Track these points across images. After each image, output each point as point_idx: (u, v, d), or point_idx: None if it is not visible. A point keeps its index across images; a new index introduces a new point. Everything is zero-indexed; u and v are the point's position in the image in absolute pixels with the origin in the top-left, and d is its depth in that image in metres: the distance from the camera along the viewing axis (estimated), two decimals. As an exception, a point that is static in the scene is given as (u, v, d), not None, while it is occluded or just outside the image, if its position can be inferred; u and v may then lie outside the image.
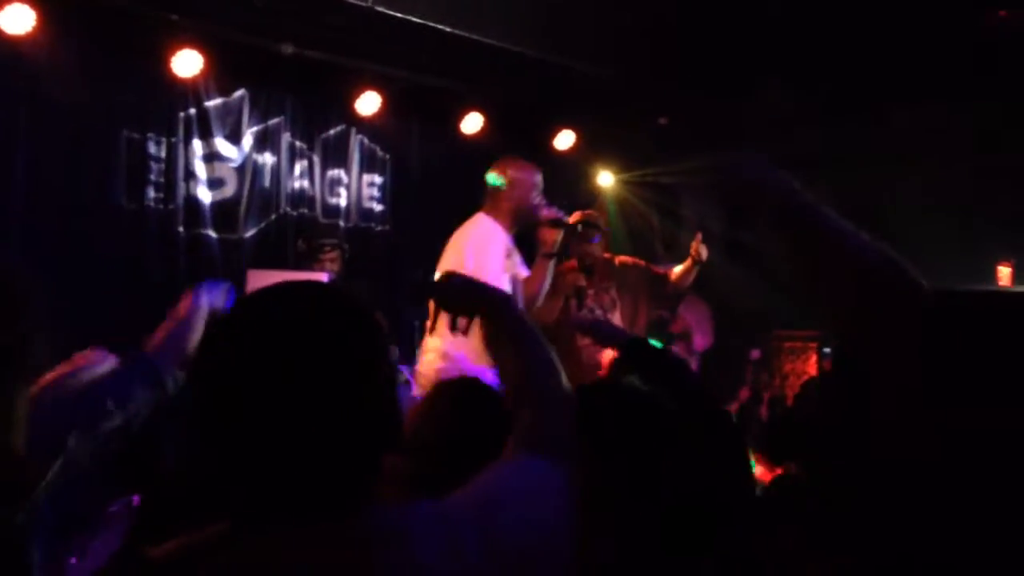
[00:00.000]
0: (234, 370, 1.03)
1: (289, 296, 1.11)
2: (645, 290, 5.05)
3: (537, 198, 4.06)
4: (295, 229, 6.09)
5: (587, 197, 7.42)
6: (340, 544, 1.01)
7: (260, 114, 6.06)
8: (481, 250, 3.88)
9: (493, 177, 4.10)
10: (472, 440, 1.48)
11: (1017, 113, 5.83)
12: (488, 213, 4.10)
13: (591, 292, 4.81)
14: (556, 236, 4.08)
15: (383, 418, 1.08)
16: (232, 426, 1.02)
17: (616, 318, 4.90)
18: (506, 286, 3.81)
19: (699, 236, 4.93)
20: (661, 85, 6.46)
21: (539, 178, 4.12)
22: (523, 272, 4.14)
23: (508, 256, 4.02)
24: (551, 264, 4.11)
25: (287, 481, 1.02)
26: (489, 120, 6.51)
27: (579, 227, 4.68)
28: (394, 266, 6.53)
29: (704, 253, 4.90)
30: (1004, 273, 6.65)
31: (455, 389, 1.84)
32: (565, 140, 6.97)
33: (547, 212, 4.05)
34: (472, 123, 6.49)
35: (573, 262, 4.77)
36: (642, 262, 5.22)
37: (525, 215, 4.04)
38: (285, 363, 1.02)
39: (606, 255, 5.10)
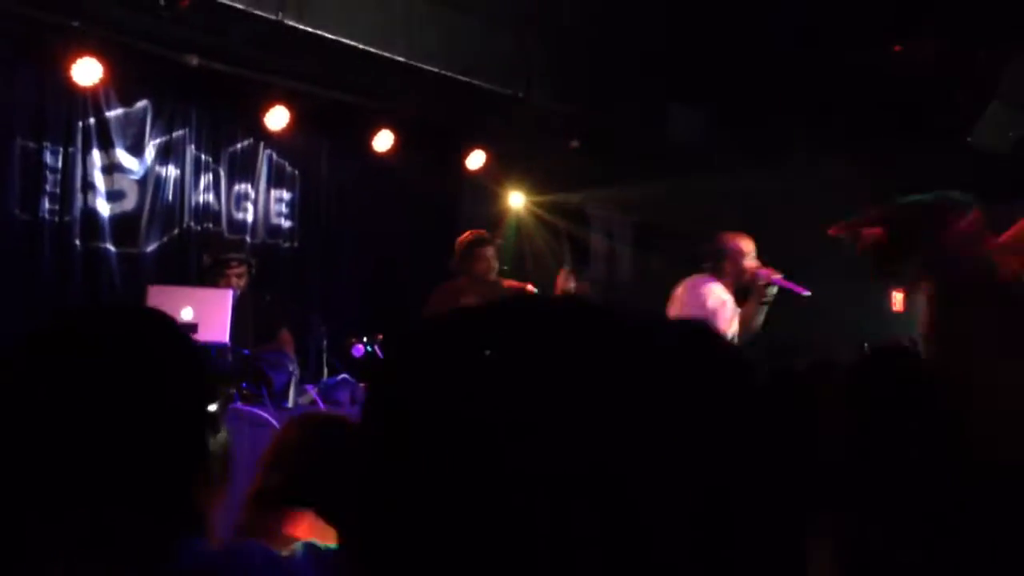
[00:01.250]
0: (19, 401, 0.99)
1: (92, 324, 1.08)
2: None
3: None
4: (199, 244, 5.95)
5: (498, 217, 7.45)
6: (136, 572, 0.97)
7: (164, 126, 5.91)
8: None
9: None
10: (318, 479, 1.43)
11: (907, 141, 6.09)
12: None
13: None
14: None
15: (184, 456, 1.03)
16: (16, 461, 0.98)
17: None
18: None
19: (563, 272, 5.41)
20: (573, 109, 6.54)
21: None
22: None
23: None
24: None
25: (77, 521, 0.97)
26: (400, 138, 6.48)
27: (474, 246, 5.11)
28: (302, 284, 6.43)
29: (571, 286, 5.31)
30: (898, 298, 6.91)
31: (303, 427, 1.74)
32: (476, 160, 6.98)
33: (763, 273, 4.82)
34: (383, 141, 6.44)
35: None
36: (526, 285, 5.35)
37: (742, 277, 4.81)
38: (74, 395, 0.98)
39: (496, 278, 5.22)
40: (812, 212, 6.21)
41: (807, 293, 4.94)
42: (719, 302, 4.70)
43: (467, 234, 5.25)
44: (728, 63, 5.86)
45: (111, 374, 1.00)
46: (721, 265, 4.85)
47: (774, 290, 4.88)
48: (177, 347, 1.07)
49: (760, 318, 4.92)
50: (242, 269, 5.11)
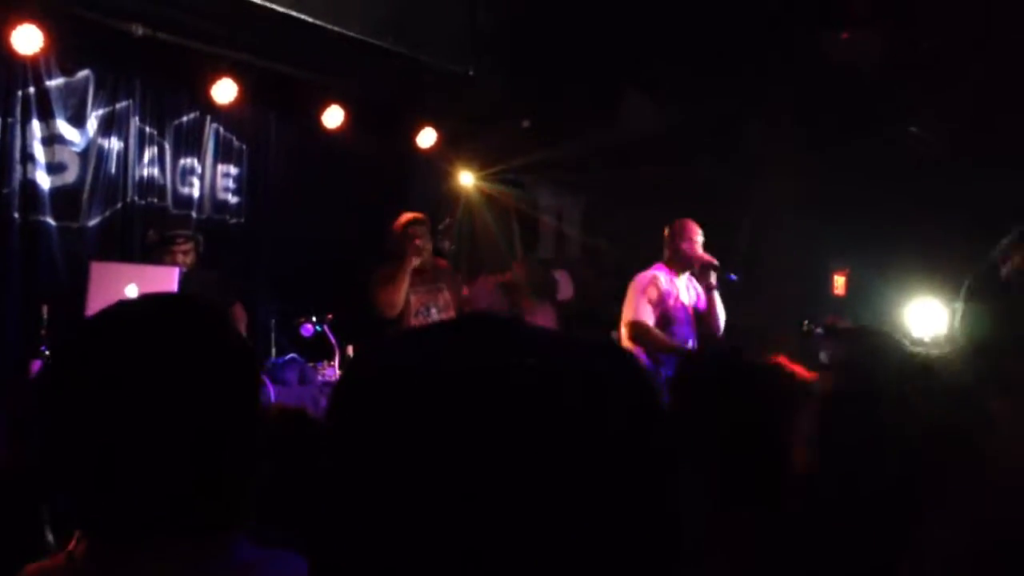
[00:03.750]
0: (84, 389, 1.00)
1: (149, 313, 1.08)
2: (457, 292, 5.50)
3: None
4: (143, 219, 5.82)
5: (449, 195, 7.43)
6: (184, 567, 0.98)
7: (107, 97, 5.75)
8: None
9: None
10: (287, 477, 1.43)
11: (853, 129, 6.20)
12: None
13: (424, 292, 5.27)
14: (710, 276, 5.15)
15: (237, 446, 1.03)
16: (81, 444, 0.98)
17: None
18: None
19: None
20: (524, 87, 6.52)
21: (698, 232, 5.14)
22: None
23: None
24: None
25: (131, 504, 0.98)
26: (351, 115, 6.41)
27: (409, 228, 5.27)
28: (249, 260, 6.34)
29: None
30: (839, 282, 7.06)
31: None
32: (426, 138, 6.94)
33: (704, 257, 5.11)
34: (333, 117, 6.36)
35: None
36: (449, 267, 5.65)
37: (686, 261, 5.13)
38: (137, 385, 0.99)
39: (434, 258, 5.44)
40: (761, 196, 6.32)
41: (734, 278, 5.16)
42: (646, 288, 5.00)
43: (402, 216, 5.38)
44: (682, 49, 5.89)
45: (169, 368, 1.01)
46: (667, 250, 5.16)
47: (712, 276, 5.14)
48: (232, 340, 1.07)
49: (716, 306, 5.16)
50: (188, 246, 5.04)
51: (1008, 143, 5.60)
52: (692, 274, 5.21)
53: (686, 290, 5.18)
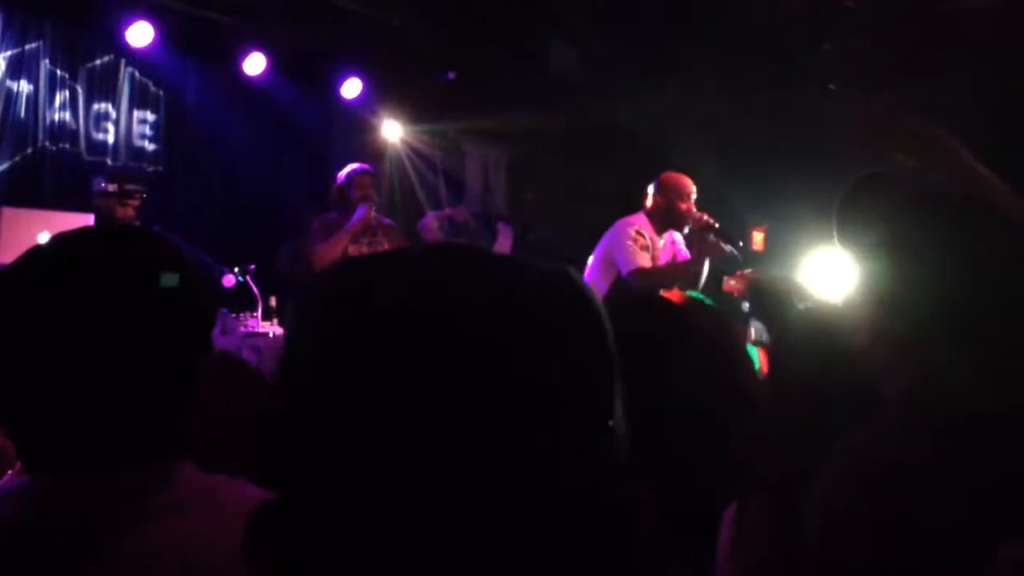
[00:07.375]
0: (18, 316, 0.99)
1: (85, 241, 1.07)
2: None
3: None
4: (54, 164, 5.66)
5: (373, 147, 7.35)
6: (122, 494, 0.98)
7: (15, 37, 5.53)
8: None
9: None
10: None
11: (773, 85, 6.30)
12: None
13: (364, 244, 4.90)
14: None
15: (175, 375, 1.03)
16: (12, 372, 0.99)
17: None
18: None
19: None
20: (450, 38, 6.46)
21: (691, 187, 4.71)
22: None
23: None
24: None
25: (65, 432, 0.99)
26: (273, 62, 6.27)
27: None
28: (167, 210, 6.20)
29: None
30: (758, 238, 7.20)
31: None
32: (352, 88, 6.84)
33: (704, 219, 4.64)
34: (254, 64, 6.22)
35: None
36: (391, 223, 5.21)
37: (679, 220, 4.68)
38: (72, 313, 0.99)
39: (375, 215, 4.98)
40: (683, 150, 6.39)
41: (735, 251, 4.73)
42: (634, 237, 4.54)
43: (348, 166, 5.06)
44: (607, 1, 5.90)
45: (111, 295, 1.00)
46: (654, 202, 4.68)
47: (710, 236, 4.61)
48: (181, 267, 1.06)
49: (703, 267, 4.68)
50: (139, 201, 4.96)
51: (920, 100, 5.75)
52: (677, 233, 4.79)
53: (664, 250, 4.74)
